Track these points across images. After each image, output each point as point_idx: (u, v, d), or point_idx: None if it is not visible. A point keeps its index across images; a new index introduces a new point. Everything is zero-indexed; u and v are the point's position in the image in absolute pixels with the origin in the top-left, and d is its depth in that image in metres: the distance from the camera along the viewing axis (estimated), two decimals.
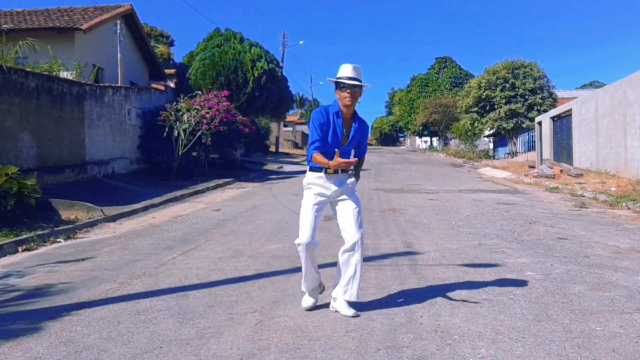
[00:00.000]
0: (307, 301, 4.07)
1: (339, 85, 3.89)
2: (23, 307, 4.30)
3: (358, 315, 3.83)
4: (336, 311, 3.92)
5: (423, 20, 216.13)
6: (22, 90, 10.85)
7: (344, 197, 3.97)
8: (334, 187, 3.95)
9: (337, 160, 3.75)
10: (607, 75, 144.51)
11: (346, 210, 3.94)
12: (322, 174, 3.94)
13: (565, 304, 4.04)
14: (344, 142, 3.97)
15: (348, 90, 3.85)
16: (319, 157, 3.87)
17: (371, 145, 76.14)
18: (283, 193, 13.34)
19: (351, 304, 3.91)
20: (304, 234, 3.87)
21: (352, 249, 3.87)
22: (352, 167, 4.04)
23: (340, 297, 3.91)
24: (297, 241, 3.92)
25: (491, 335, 3.40)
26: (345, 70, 3.90)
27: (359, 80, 3.89)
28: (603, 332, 3.45)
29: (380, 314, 3.84)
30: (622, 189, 11.73)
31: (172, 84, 22.15)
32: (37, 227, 7.97)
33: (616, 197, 10.71)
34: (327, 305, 4.05)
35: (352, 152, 4.03)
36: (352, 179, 4.03)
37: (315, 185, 3.97)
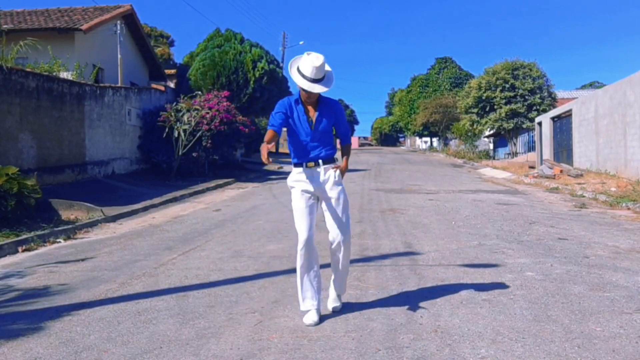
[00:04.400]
0: (310, 316, 3.76)
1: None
2: (23, 308, 4.30)
3: (339, 309, 3.93)
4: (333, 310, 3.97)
5: (423, 20, 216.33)
6: (22, 91, 10.85)
7: (330, 194, 3.81)
8: (316, 182, 3.81)
9: (264, 146, 3.61)
10: (607, 76, 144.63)
11: (332, 209, 3.80)
12: (302, 169, 3.83)
13: (565, 304, 4.04)
14: (312, 125, 3.80)
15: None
16: (267, 143, 3.64)
17: (371, 145, 76.09)
18: (283, 193, 13.33)
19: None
20: (302, 232, 3.75)
21: (340, 247, 3.82)
22: (336, 159, 3.92)
23: (332, 294, 4.01)
24: (298, 245, 3.77)
25: (491, 336, 3.40)
26: (306, 68, 3.65)
27: (320, 79, 3.68)
28: (603, 332, 3.45)
29: (380, 314, 3.84)
30: (622, 189, 11.73)
31: (172, 85, 22.14)
32: (37, 227, 7.97)
33: (616, 198, 10.71)
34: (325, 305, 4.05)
35: (338, 141, 4.00)
36: (337, 172, 3.84)
37: (297, 182, 3.85)
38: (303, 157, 3.83)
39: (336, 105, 3.98)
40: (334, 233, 3.81)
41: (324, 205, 3.85)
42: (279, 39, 42.23)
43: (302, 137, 3.81)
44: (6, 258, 6.54)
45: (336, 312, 3.91)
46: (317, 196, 3.87)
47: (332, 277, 4.00)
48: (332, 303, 3.98)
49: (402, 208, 9.98)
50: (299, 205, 3.81)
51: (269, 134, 3.70)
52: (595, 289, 4.45)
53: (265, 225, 8.39)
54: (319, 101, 3.85)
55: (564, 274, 4.94)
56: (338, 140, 4.19)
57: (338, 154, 3.95)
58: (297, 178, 3.86)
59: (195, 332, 3.59)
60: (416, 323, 3.65)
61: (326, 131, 3.85)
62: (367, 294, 4.35)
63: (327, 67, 3.76)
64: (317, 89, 3.69)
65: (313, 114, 3.84)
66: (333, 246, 3.84)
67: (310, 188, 3.82)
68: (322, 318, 3.79)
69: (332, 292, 4.02)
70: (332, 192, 3.82)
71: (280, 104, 3.84)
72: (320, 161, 3.81)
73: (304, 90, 3.72)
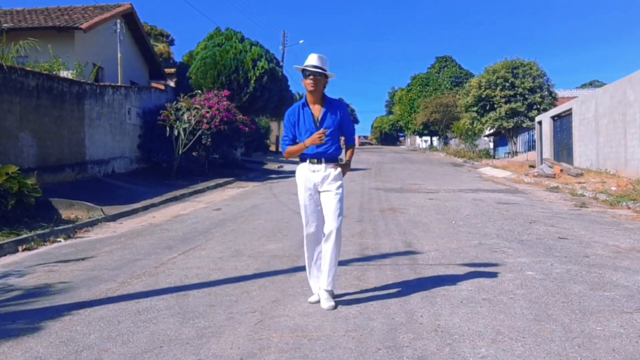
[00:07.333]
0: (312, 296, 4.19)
1: (304, 74, 4.05)
2: (23, 307, 4.30)
3: (335, 307, 3.96)
4: (317, 301, 4.08)
5: (423, 20, 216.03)
6: (22, 90, 10.85)
7: (327, 187, 4.06)
8: (317, 178, 4.06)
9: (312, 137, 3.95)
10: (607, 75, 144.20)
11: (326, 201, 4.04)
12: (306, 164, 4.10)
13: (565, 303, 4.04)
14: (316, 124, 4.07)
15: (311, 77, 4.00)
16: (292, 148, 4.09)
17: (371, 144, 76.06)
18: (283, 192, 13.34)
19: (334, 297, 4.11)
20: (305, 227, 4.14)
21: (327, 238, 4.02)
22: (340, 158, 4.18)
23: (321, 288, 4.07)
24: (304, 238, 4.22)
25: (491, 335, 3.40)
26: (311, 59, 4.04)
27: (323, 69, 4.02)
28: (603, 331, 3.45)
29: (380, 314, 3.84)
30: (622, 189, 11.73)
31: (172, 83, 22.11)
32: (37, 226, 7.97)
33: (616, 197, 10.71)
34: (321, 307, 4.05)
35: (342, 139, 4.23)
36: (338, 170, 4.12)
37: (301, 179, 4.12)
38: (307, 153, 4.07)
39: (341, 105, 4.26)
40: (329, 224, 4.02)
41: (321, 197, 4.09)
42: (279, 38, 42.30)
43: (308, 135, 4.04)
44: (6, 257, 6.54)
45: (336, 312, 3.91)
46: (319, 191, 4.11)
47: (321, 274, 4.08)
48: (325, 303, 3.99)
49: (402, 207, 9.98)
50: (302, 200, 4.14)
51: (293, 148, 4.10)
52: (596, 288, 4.45)
53: (266, 224, 8.39)
54: (324, 101, 4.13)
55: (564, 273, 4.94)
56: (343, 140, 4.38)
57: (343, 155, 4.22)
58: (300, 173, 4.14)
59: (195, 331, 3.59)
60: (416, 322, 3.65)
61: (331, 130, 4.06)
62: (367, 293, 4.35)
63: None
64: (319, 70, 4.00)
65: (318, 114, 4.10)
66: (325, 236, 4.04)
67: (311, 184, 4.08)
68: (322, 318, 3.79)
69: (322, 293, 4.05)
70: (331, 186, 4.06)
71: (288, 114, 4.19)
72: (323, 159, 4.06)
73: (308, 70, 3.98)
